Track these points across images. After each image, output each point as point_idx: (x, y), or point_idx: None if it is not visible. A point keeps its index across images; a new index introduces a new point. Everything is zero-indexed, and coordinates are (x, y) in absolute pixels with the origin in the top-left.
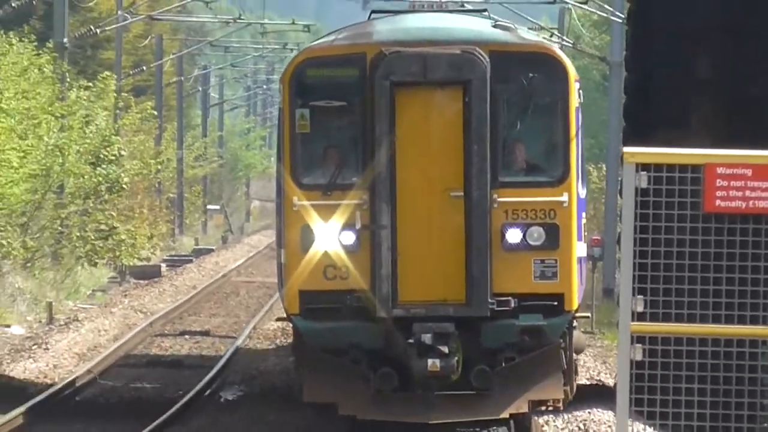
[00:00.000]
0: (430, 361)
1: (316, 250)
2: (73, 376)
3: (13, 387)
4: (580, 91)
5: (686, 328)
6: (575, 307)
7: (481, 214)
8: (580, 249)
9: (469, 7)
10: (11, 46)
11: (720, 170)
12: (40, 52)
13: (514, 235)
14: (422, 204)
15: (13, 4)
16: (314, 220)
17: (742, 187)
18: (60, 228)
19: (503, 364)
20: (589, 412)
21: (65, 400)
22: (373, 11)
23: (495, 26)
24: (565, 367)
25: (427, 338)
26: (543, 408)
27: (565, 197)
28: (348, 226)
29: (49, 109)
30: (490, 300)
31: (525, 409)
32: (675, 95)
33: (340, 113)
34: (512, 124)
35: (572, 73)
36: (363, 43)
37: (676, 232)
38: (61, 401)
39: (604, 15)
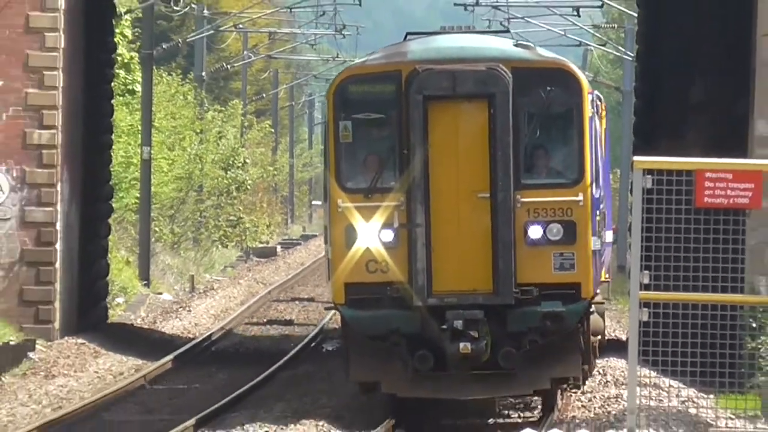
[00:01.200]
0: (461, 344)
1: (358, 247)
2: (209, 332)
3: (164, 340)
4: (598, 103)
5: (682, 296)
6: (591, 294)
7: (505, 213)
8: (594, 243)
9: (493, 28)
10: (162, 78)
11: (708, 174)
12: (184, 82)
13: (535, 232)
14: (453, 205)
15: (164, 46)
16: (357, 220)
17: (724, 188)
18: (199, 218)
19: (527, 346)
20: (606, 360)
21: (203, 350)
22: (408, 33)
23: (516, 45)
24: (583, 348)
25: (458, 324)
26: (564, 386)
27: (580, 197)
28: (387, 225)
29: (191, 126)
30: (514, 289)
31: (547, 386)
32: (673, 116)
33: (378, 124)
34: (532, 132)
35: (585, 86)
36: (398, 61)
37: (674, 222)
38: (200, 351)
39: (618, 54)
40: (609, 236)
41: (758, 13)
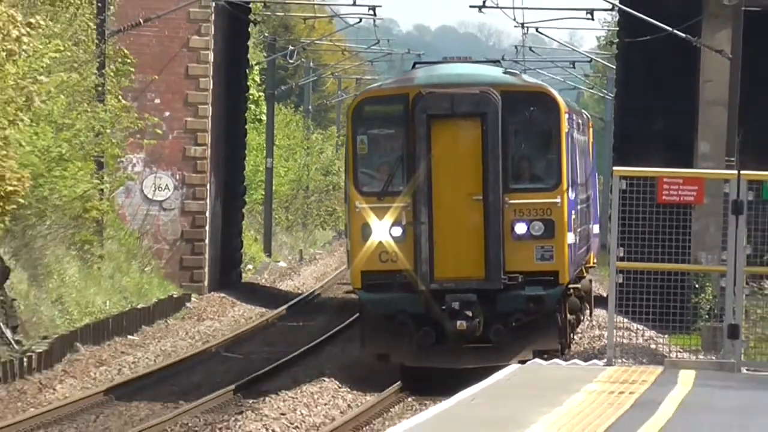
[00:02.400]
0: (458, 322)
1: (372, 241)
2: (312, 289)
3: (280, 295)
4: (579, 121)
5: (647, 265)
6: (567, 280)
7: (495, 212)
8: (570, 238)
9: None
10: (281, 111)
11: (665, 180)
12: (296, 114)
13: (520, 228)
14: (451, 205)
15: (282, 88)
16: (371, 218)
17: (677, 189)
18: (306, 209)
19: (514, 324)
20: (595, 314)
21: (308, 302)
22: (416, 63)
23: (505, 72)
24: (561, 325)
25: (455, 305)
26: (544, 356)
27: (558, 199)
28: (396, 222)
29: (301, 144)
30: (503, 276)
31: (530, 357)
32: (640, 139)
33: (389, 138)
34: (518, 145)
35: (563, 107)
36: (406, 86)
37: (641, 213)
38: (306, 303)
39: (602, 95)
40: (596, 229)
41: (701, 65)
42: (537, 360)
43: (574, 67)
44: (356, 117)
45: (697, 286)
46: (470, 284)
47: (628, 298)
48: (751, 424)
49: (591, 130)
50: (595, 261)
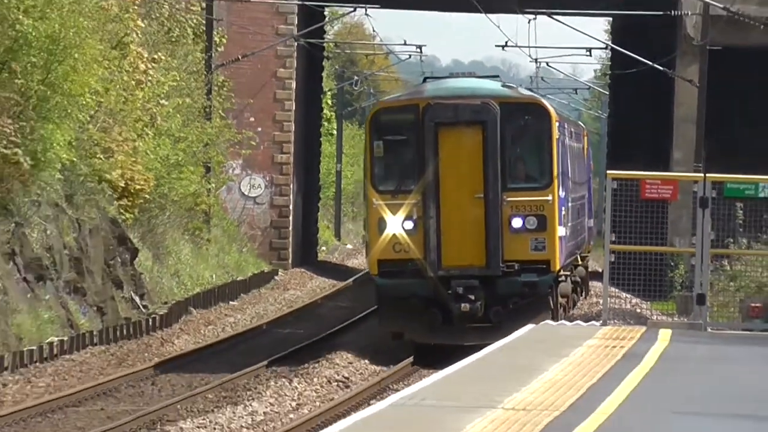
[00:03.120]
0: (462, 305)
1: (387, 233)
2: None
3: (347, 270)
4: (572, 129)
5: (633, 247)
6: (558, 268)
7: (495, 208)
8: (561, 231)
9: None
10: (348, 126)
11: (648, 181)
12: (359, 128)
13: (517, 222)
14: (456, 202)
15: (348, 109)
16: (386, 213)
17: (656, 188)
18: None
19: (511, 306)
20: (592, 283)
21: (369, 276)
22: (426, 77)
23: (503, 85)
24: (552, 307)
25: (460, 290)
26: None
27: (550, 197)
28: (408, 217)
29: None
30: (501, 264)
31: None
32: (627, 148)
33: (402, 143)
34: (515, 149)
35: (554, 116)
36: (417, 97)
37: (628, 206)
38: (367, 276)
39: (598, 115)
40: (591, 222)
41: (675, 91)
42: (548, 321)
43: (576, 93)
44: (373, 124)
45: (672, 264)
46: (473, 271)
47: (619, 273)
48: (715, 369)
49: (586, 139)
50: (589, 250)
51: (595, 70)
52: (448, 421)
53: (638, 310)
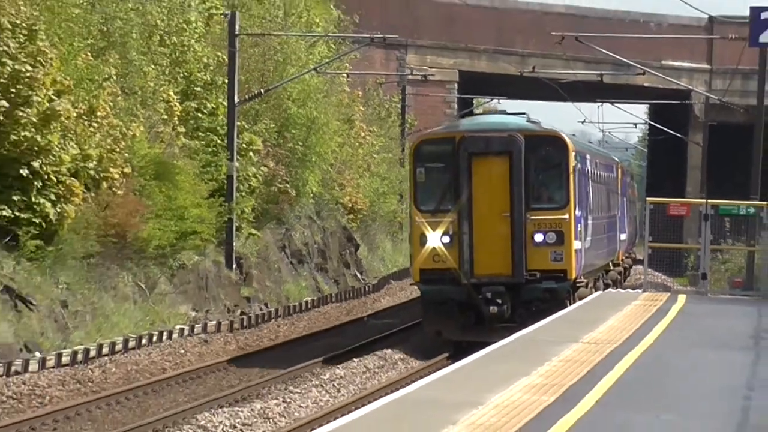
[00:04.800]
0: (491, 308)
1: (428, 246)
2: None
3: None
4: (599, 162)
5: (662, 245)
6: (574, 277)
7: (520, 225)
8: (576, 245)
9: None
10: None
11: (672, 205)
12: None
13: (538, 237)
14: (487, 220)
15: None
16: (427, 229)
17: (677, 208)
18: None
19: (534, 309)
20: (635, 267)
21: None
22: (461, 114)
23: (528, 121)
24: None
25: (489, 295)
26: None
27: (566, 216)
28: (445, 233)
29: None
30: (525, 273)
31: None
32: (659, 185)
33: (441, 170)
34: (537, 175)
35: (571, 147)
36: (453, 131)
37: (659, 220)
38: None
39: (640, 165)
40: (623, 236)
41: (688, 150)
42: (609, 290)
43: (627, 150)
44: (416, 154)
45: (686, 255)
46: (500, 279)
47: (654, 260)
48: (713, 319)
49: (621, 171)
50: (622, 258)
51: (638, 136)
52: (549, 349)
53: (665, 283)
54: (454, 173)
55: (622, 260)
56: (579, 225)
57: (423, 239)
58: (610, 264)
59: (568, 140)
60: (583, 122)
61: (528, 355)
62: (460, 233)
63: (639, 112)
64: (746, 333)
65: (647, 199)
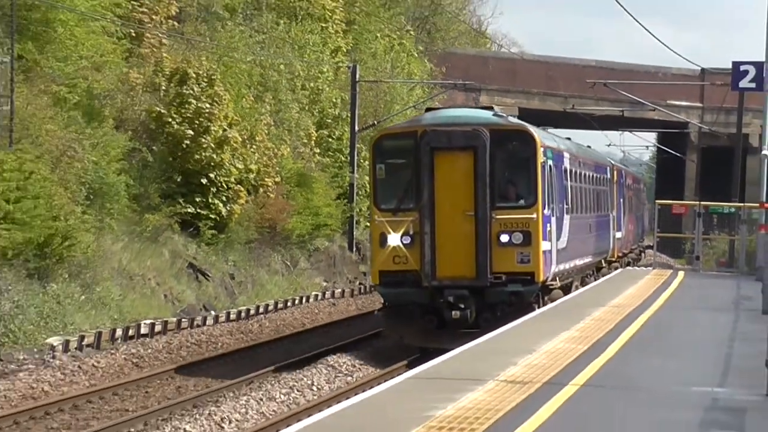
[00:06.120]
0: (453, 312)
1: (388, 246)
2: None
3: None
4: (564, 155)
5: (667, 235)
6: (542, 279)
7: (484, 225)
8: (545, 245)
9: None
10: None
11: (674, 205)
12: None
13: (504, 238)
14: (449, 219)
15: None
16: (387, 229)
17: (679, 209)
18: None
19: (499, 314)
20: (645, 250)
21: None
22: (427, 108)
23: (494, 115)
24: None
25: (451, 299)
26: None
27: (534, 215)
28: (406, 232)
29: None
30: (489, 276)
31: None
32: (666, 191)
33: (402, 166)
34: (503, 172)
35: (539, 142)
36: (415, 125)
37: (665, 218)
38: None
39: (651, 177)
40: (619, 234)
41: (686, 166)
42: (628, 268)
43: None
44: (376, 149)
45: (684, 242)
46: (463, 282)
47: (661, 246)
48: (704, 289)
49: (617, 173)
50: (618, 254)
51: (649, 156)
52: (583, 311)
53: (669, 263)
54: (416, 170)
55: (618, 257)
56: (548, 225)
57: (383, 239)
58: (603, 261)
59: (536, 135)
60: (608, 145)
61: (568, 316)
62: (422, 233)
63: (650, 138)
64: (729, 299)
65: (656, 201)
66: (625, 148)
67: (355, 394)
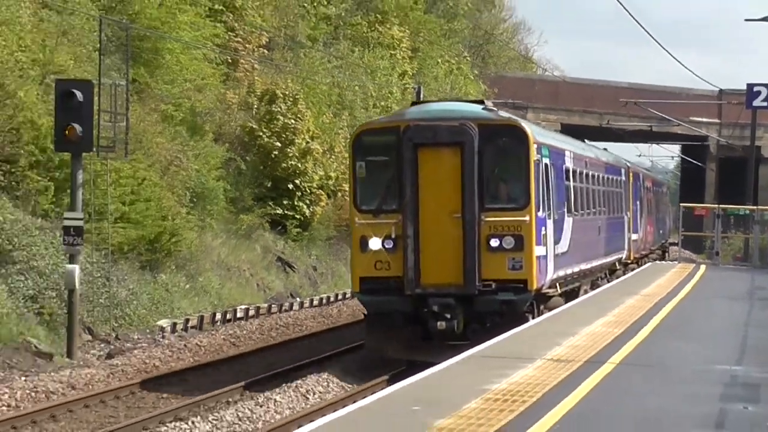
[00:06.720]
0: (438, 323)
1: (369, 250)
2: None
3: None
4: (565, 154)
5: (690, 233)
6: (535, 287)
7: (472, 228)
8: (539, 250)
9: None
10: None
11: (696, 208)
12: None
13: (494, 242)
14: (435, 222)
15: None
16: (368, 232)
17: (700, 211)
18: None
19: (489, 324)
20: (670, 245)
21: None
22: (413, 102)
23: (483, 109)
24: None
25: (436, 308)
26: None
27: (527, 217)
28: (389, 236)
29: None
30: (478, 283)
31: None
32: (689, 196)
33: (383, 164)
34: (492, 170)
35: (532, 138)
36: (398, 119)
37: (690, 220)
38: None
39: (676, 183)
40: (636, 236)
41: (706, 173)
42: (656, 262)
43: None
44: (356, 146)
45: (705, 240)
46: (449, 290)
47: (685, 243)
48: (723, 281)
49: (632, 174)
50: (635, 256)
51: (674, 165)
52: (618, 299)
53: (692, 258)
54: (399, 168)
55: (635, 258)
56: (543, 228)
57: (363, 243)
58: (617, 264)
59: (528, 130)
60: (639, 156)
61: (605, 303)
62: (404, 237)
63: (675, 149)
64: (744, 290)
65: (681, 204)
66: (653, 159)
67: (428, 365)
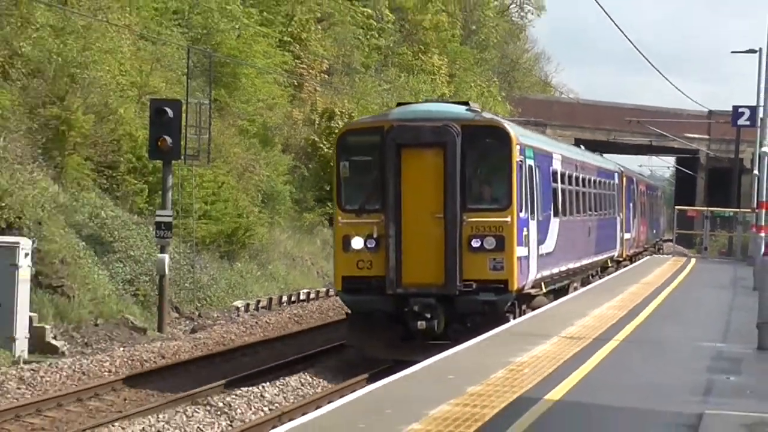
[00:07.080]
0: (419, 323)
1: (352, 250)
2: None
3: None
4: (552, 156)
5: (684, 231)
6: (516, 288)
7: (454, 228)
8: (520, 251)
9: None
10: None
11: (689, 210)
12: None
13: (476, 242)
14: (417, 222)
15: None
16: (351, 232)
17: (692, 213)
18: None
19: (470, 324)
20: (664, 241)
21: None
22: (399, 103)
23: (467, 110)
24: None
25: (416, 308)
26: None
27: (508, 218)
28: (371, 235)
29: None
30: (459, 284)
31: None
32: (682, 199)
33: (367, 164)
34: (475, 171)
35: (515, 139)
36: (382, 120)
37: (683, 220)
38: None
39: (672, 189)
40: (627, 235)
41: (697, 181)
42: (654, 255)
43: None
44: (340, 146)
45: (695, 237)
46: (430, 290)
47: (678, 240)
48: (711, 272)
49: (625, 179)
50: (627, 254)
51: (670, 174)
52: (622, 287)
53: (684, 252)
54: (382, 168)
55: (628, 256)
56: (525, 228)
57: (346, 243)
58: (609, 261)
59: (511, 131)
60: (640, 166)
61: (611, 290)
62: (386, 236)
63: (670, 160)
64: (728, 280)
65: (675, 207)
66: (652, 168)
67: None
